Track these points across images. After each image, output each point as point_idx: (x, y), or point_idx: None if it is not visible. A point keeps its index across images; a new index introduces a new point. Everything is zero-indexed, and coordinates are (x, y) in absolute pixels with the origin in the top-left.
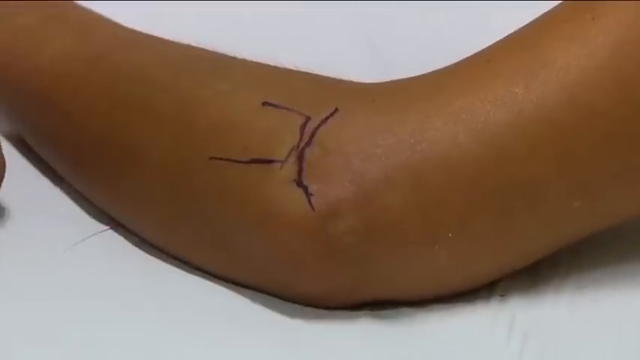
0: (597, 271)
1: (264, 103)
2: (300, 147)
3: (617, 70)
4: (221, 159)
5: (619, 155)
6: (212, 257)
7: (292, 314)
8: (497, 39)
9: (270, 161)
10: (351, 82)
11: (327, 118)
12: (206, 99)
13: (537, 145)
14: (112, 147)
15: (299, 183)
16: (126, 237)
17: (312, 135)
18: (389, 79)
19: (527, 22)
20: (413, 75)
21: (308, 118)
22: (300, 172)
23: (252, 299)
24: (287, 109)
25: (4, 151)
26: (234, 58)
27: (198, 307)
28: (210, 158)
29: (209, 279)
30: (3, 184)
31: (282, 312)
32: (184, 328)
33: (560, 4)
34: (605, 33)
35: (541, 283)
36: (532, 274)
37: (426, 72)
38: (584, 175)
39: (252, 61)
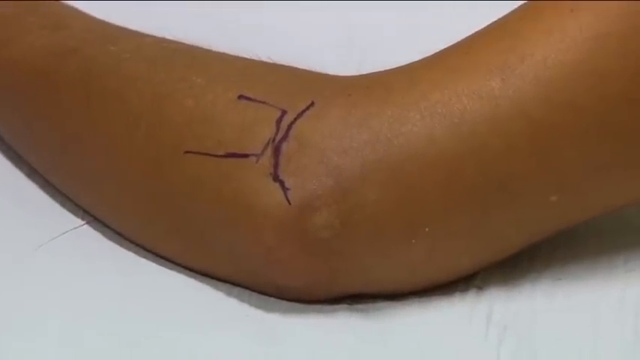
0: (574, 263)
1: (240, 97)
2: (277, 141)
3: (595, 64)
4: (196, 153)
5: (596, 150)
6: (188, 251)
7: (269, 308)
8: (474, 31)
9: (246, 155)
10: (327, 76)
11: (303, 111)
12: (181, 92)
13: (514, 139)
14: (87, 141)
15: (275, 177)
16: (101, 231)
17: (289, 129)
18: (365, 72)
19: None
20: (389, 67)
21: (284, 112)
22: (276, 166)
23: (228, 293)
24: (263, 102)
25: None
26: (210, 52)
27: (173, 301)
28: (186, 152)
29: (185, 273)
30: None
31: (258, 306)
32: (159, 323)
33: None
34: (584, 27)
35: (518, 276)
36: (509, 266)
37: (402, 64)
38: (562, 170)
39: (228, 55)
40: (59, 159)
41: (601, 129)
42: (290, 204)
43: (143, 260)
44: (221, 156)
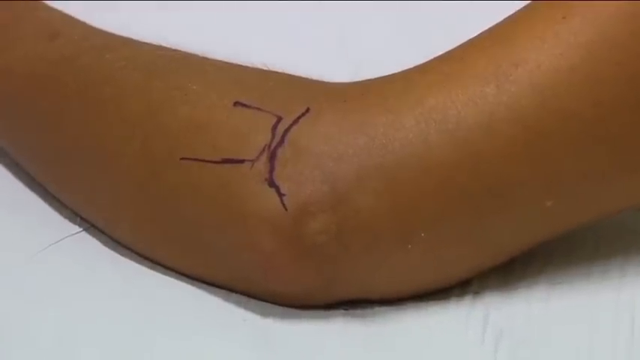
0: (570, 268)
1: (236, 104)
2: (272, 147)
3: (588, 71)
4: (192, 159)
5: (591, 156)
6: (185, 257)
7: (265, 313)
8: (470, 37)
9: (242, 161)
10: (322, 82)
11: (299, 118)
12: (177, 100)
13: (509, 145)
14: (83, 148)
15: (271, 183)
16: (98, 238)
17: (284, 135)
18: (360, 79)
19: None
20: (384, 74)
21: (280, 118)
22: (271, 171)
23: (225, 299)
24: (258, 109)
25: None
26: (205, 59)
27: (170, 307)
28: (182, 159)
29: (182, 279)
30: None
31: (255, 311)
32: (156, 329)
33: (532, 2)
34: (576, 33)
35: (514, 280)
36: (505, 271)
37: (397, 71)
38: (556, 176)
39: (223, 62)
40: (56, 167)
41: (595, 135)
42: (286, 209)
43: (140, 267)
44: (217, 162)
